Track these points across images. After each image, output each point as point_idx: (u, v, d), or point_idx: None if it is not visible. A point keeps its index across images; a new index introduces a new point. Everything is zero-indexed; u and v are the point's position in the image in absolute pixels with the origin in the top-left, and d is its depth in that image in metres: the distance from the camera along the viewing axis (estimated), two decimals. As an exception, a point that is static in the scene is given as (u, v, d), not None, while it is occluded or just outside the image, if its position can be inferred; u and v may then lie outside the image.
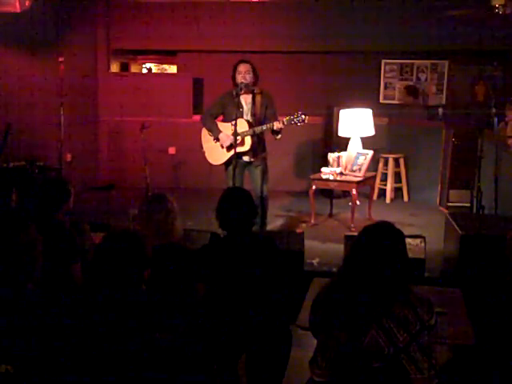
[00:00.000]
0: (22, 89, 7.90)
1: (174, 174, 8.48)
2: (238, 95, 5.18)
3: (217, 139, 5.38)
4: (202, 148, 5.53)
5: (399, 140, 7.90)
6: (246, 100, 5.30)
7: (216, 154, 5.42)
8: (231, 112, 5.14)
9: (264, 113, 5.29)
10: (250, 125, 5.22)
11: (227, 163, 5.33)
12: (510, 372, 3.01)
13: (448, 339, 2.71)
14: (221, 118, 5.47)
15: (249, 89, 5.22)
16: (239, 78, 5.21)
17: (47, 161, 7.22)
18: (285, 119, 5.13)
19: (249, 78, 5.23)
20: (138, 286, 2.26)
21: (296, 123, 5.15)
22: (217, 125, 5.39)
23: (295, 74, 7.75)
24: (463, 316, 2.94)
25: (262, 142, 5.43)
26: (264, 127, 5.18)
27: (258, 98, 5.31)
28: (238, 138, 5.09)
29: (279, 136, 5.23)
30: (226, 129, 5.29)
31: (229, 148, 5.27)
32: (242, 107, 5.28)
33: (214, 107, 5.48)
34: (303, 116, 5.13)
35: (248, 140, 5.23)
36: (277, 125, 5.10)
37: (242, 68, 5.23)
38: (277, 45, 8.05)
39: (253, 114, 5.28)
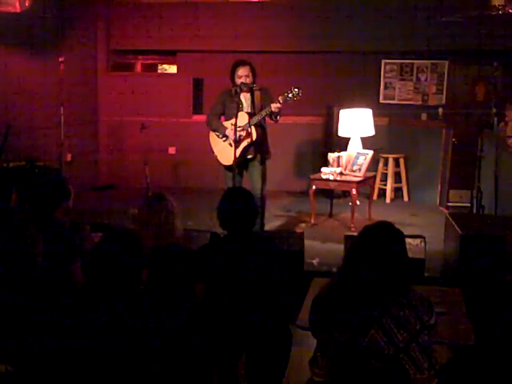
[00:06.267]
0: (22, 89, 7.89)
1: (174, 174, 8.48)
2: (237, 93, 5.20)
3: (224, 136, 5.38)
4: (213, 153, 5.50)
5: (399, 140, 7.90)
6: (245, 97, 5.34)
7: (228, 153, 5.34)
8: (231, 110, 5.21)
9: (263, 105, 5.29)
10: (251, 116, 5.25)
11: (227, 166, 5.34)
12: (510, 372, 3.01)
13: (448, 339, 2.71)
14: (223, 118, 5.49)
15: (248, 87, 5.25)
16: (239, 81, 5.23)
17: (47, 161, 7.21)
18: (280, 97, 5.11)
19: (249, 80, 5.26)
20: (136, 286, 2.26)
21: (292, 98, 5.12)
22: (222, 123, 5.41)
23: (295, 74, 7.74)
24: (463, 316, 2.93)
25: (265, 143, 5.42)
26: (263, 112, 5.18)
27: (257, 93, 5.33)
28: (243, 132, 5.16)
29: (278, 117, 5.25)
30: (229, 127, 5.29)
31: (237, 142, 5.22)
32: (242, 104, 5.30)
33: (215, 107, 5.50)
34: (297, 90, 5.10)
35: (253, 130, 5.25)
36: (274, 105, 5.11)
37: (242, 72, 5.25)
38: (277, 45, 8.05)
39: (253, 108, 5.31)
